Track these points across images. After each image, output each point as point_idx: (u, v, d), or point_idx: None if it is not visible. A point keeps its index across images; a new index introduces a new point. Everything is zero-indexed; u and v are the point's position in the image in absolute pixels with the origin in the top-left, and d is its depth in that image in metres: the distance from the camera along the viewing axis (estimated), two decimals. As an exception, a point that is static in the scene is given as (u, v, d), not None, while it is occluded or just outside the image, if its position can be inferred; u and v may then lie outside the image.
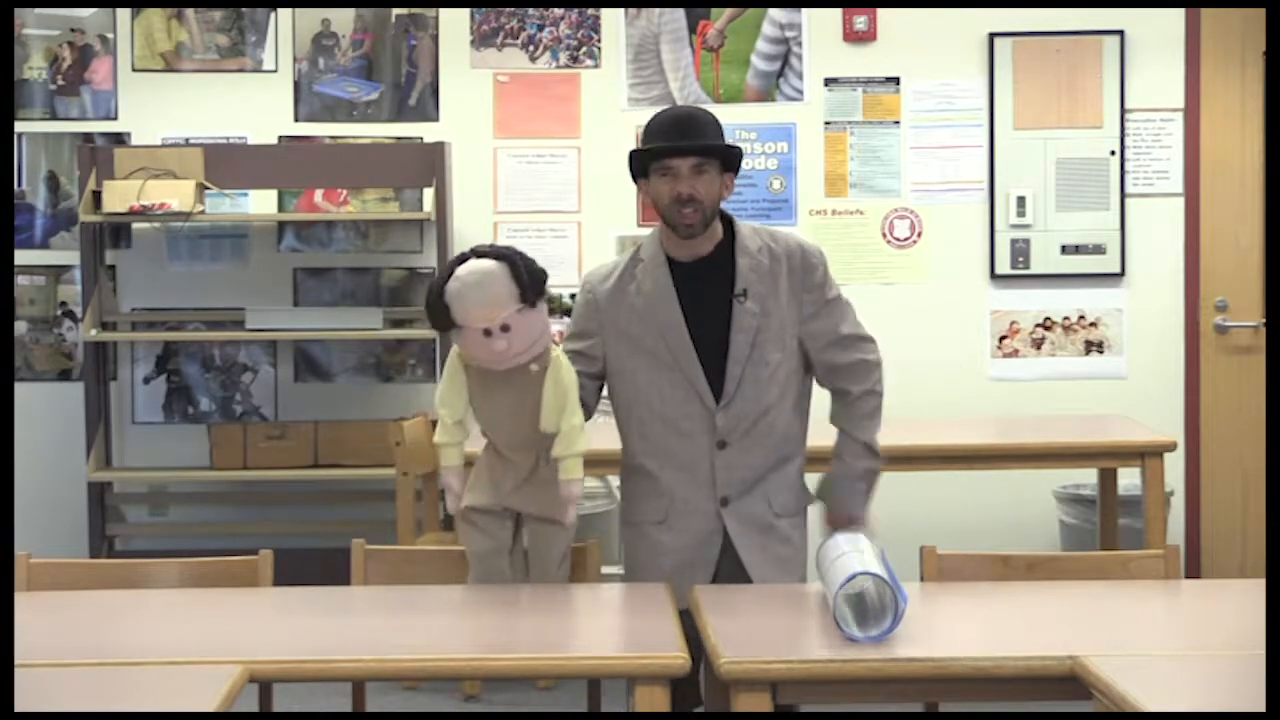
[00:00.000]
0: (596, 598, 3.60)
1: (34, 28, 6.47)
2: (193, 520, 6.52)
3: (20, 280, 6.49)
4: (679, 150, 3.71)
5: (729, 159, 3.79)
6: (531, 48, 6.49)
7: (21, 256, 6.46)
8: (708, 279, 3.80)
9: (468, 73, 6.50)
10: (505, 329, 3.46)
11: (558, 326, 3.79)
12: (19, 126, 6.44)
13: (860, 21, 6.46)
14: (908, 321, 6.46)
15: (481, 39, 6.50)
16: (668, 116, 3.81)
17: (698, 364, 3.76)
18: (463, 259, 3.52)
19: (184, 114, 6.46)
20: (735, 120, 6.46)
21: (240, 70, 6.50)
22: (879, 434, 3.90)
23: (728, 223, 3.86)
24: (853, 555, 3.24)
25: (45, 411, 6.46)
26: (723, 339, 3.77)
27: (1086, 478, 6.09)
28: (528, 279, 3.49)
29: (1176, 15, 6.46)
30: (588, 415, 3.79)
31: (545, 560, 3.67)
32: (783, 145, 6.47)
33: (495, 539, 3.66)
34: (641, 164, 3.79)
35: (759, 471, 3.81)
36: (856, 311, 3.91)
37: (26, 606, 3.37)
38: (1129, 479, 5.64)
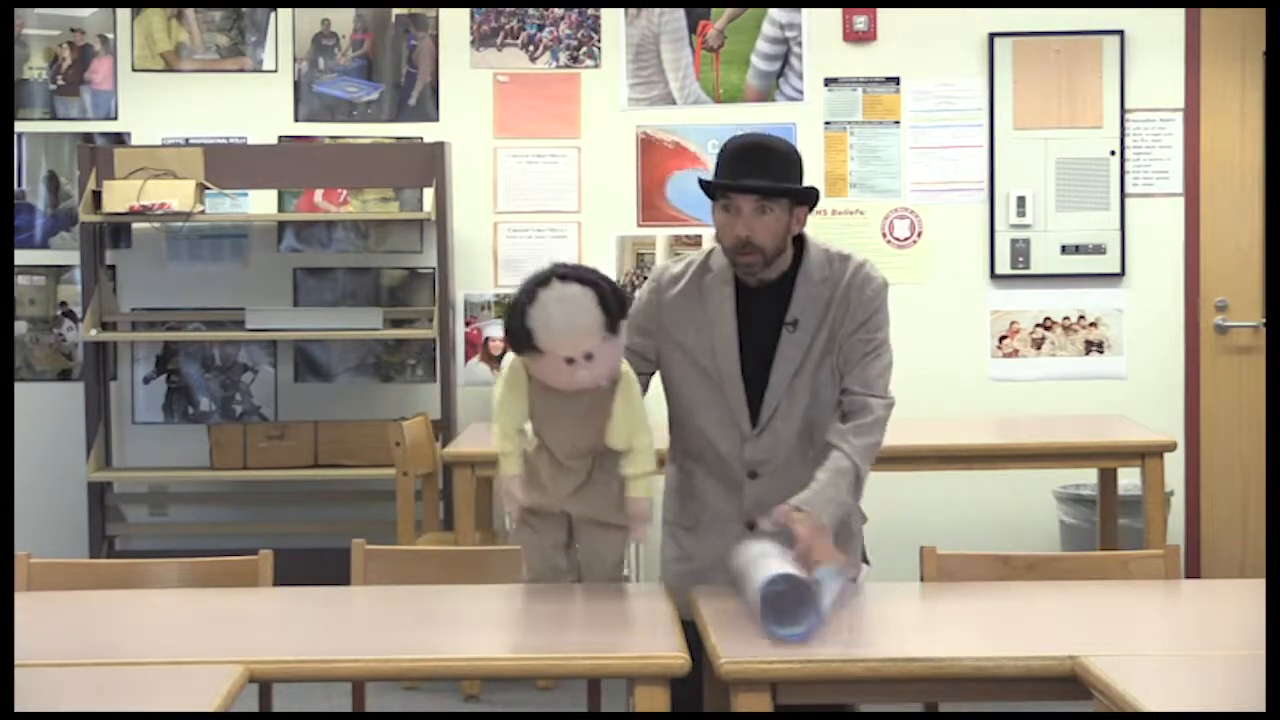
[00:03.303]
0: (597, 598, 3.60)
1: (34, 28, 6.47)
2: (193, 520, 6.52)
3: (20, 280, 6.49)
4: (741, 189, 3.55)
5: (802, 195, 3.59)
6: (531, 48, 6.49)
7: (21, 256, 6.47)
8: (767, 304, 3.66)
9: (468, 73, 6.50)
10: (589, 357, 3.37)
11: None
12: (19, 126, 6.44)
13: (860, 21, 6.46)
14: (907, 321, 6.43)
15: (481, 39, 6.50)
16: (739, 145, 3.63)
17: (743, 392, 3.66)
18: (544, 279, 3.39)
19: (184, 114, 6.47)
20: (735, 120, 6.46)
21: (240, 70, 6.50)
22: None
23: (801, 244, 3.68)
24: (772, 558, 3.25)
25: (45, 411, 6.46)
26: (767, 368, 3.65)
27: (1086, 478, 6.09)
28: (615, 306, 3.39)
29: (1176, 15, 6.46)
30: None
31: (603, 563, 3.63)
32: (783, 145, 6.47)
33: (553, 537, 3.63)
34: (709, 187, 3.64)
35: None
36: (892, 359, 3.71)
37: (26, 606, 3.37)
38: (1129, 479, 5.64)
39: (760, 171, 3.56)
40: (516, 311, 3.39)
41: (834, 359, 3.66)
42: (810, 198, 3.62)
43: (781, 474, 3.66)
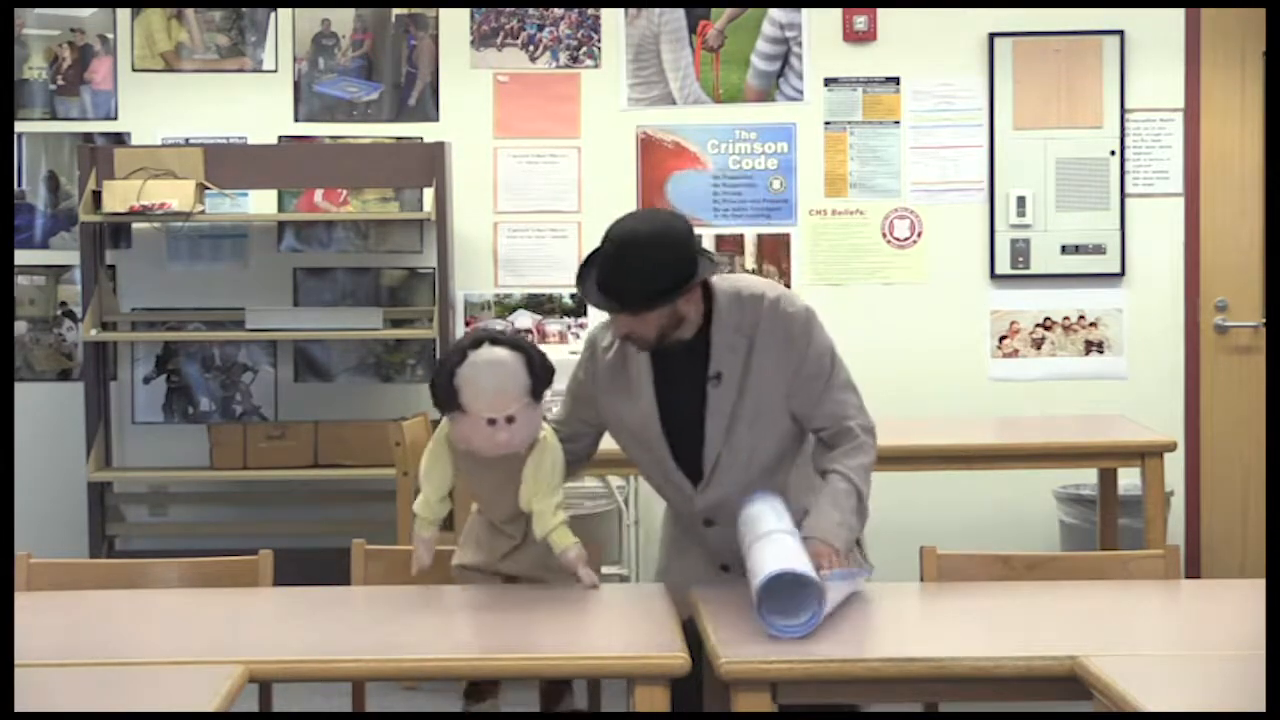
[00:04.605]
0: (596, 598, 3.60)
1: (34, 28, 6.47)
2: (193, 520, 6.52)
3: (20, 280, 6.49)
4: (603, 308, 3.52)
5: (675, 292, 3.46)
6: (531, 48, 6.49)
7: (21, 256, 6.46)
8: (686, 361, 3.61)
9: (468, 73, 6.50)
10: (510, 420, 3.45)
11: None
12: (19, 126, 6.43)
13: (860, 21, 6.46)
14: (908, 321, 6.47)
15: (481, 39, 6.50)
16: (607, 248, 3.50)
17: (669, 456, 3.65)
18: (476, 342, 3.49)
19: (184, 114, 6.46)
20: (735, 120, 6.46)
21: (240, 70, 6.49)
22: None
23: (710, 295, 3.61)
24: (779, 544, 3.26)
25: (45, 411, 6.45)
26: (699, 423, 3.62)
27: (1086, 478, 6.09)
28: (542, 374, 3.47)
29: (1176, 15, 6.46)
30: (584, 461, 3.82)
31: None
32: (783, 145, 6.47)
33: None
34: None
35: None
36: (850, 375, 3.67)
37: (26, 606, 3.37)
38: (1129, 479, 5.64)
39: (624, 280, 3.45)
40: (445, 370, 3.48)
41: (774, 408, 3.60)
42: (689, 286, 3.48)
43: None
